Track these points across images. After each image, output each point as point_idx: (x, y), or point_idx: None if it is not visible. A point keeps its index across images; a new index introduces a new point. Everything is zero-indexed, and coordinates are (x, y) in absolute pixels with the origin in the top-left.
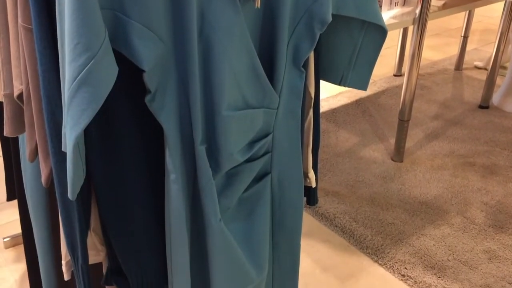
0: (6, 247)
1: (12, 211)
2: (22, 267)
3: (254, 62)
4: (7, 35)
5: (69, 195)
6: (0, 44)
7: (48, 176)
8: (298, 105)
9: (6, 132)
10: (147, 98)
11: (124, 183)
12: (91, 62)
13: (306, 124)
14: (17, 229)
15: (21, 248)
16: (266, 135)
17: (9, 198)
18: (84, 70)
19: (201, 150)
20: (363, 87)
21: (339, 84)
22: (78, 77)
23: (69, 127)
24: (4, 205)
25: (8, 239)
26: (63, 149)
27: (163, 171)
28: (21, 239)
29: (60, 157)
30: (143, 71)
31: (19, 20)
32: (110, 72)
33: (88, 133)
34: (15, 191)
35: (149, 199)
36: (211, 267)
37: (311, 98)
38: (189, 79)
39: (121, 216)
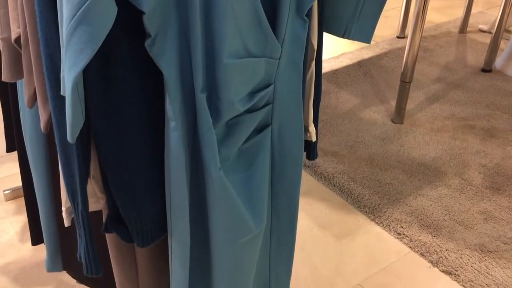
0: (7, 200)
1: (12, 165)
2: (22, 219)
3: (256, 9)
4: None
5: (68, 138)
6: None
7: (47, 121)
8: (300, 56)
9: (4, 78)
10: (147, 43)
11: (124, 129)
12: (89, 0)
13: (308, 77)
14: (17, 182)
15: (21, 201)
16: (267, 86)
17: (9, 150)
18: (82, 8)
19: (201, 98)
20: (367, 39)
21: (343, 36)
22: (76, 16)
23: (67, 68)
24: (4, 158)
25: (8, 191)
26: (62, 93)
27: (163, 119)
28: (21, 192)
29: (59, 101)
30: (143, 13)
31: None
32: (108, 11)
33: (87, 77)
34: (14, 142)
35: (148, 147)
36: (210, 217)
37: (314, 50)
38: (189, 24)
39: (120, 163)
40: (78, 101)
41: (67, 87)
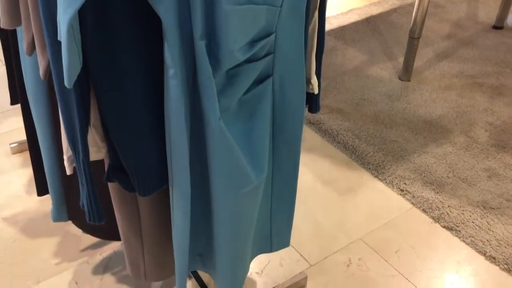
0: (13, 153)
1: (18, 119)
2: (29, 172)
3: None
4: None
5: (66, 83)
6: None
7: (46, 68)
8: (302, 4)
9: (3, 24)
10: None
11: (122, 76)
12: None
13: (310, 27)
14: (23, 135)
15: (28, 154)
16: (268, 35)
17: (13, 102)
18: None
19: (200, 45)
20: None
21: None
22: None
23: (62, 10)
24: (10, 112)
25: (15, 144)
26: (58, 39)
27: (162, 66)
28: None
29: (56, 47)
30: None
31: None
32: None
33: (83, 22)
34: (17, 94)
35: (148, 94)
36: (210, 166)
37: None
38: None
39: (119, 111)
40: (74, 45)
41: (62, 30)
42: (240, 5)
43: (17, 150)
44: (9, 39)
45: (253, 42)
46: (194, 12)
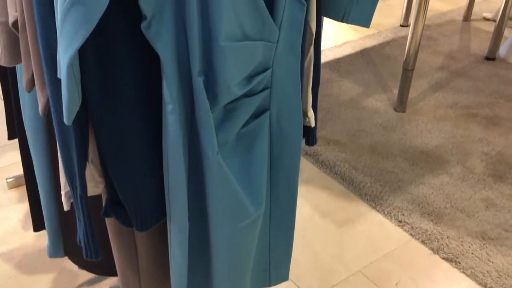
0: (10, 188)
1: (15, 153)
2: (25, 206)
3: None
4: None
5: (65, 120)
6: None
7: (45, 105)
8: (298, 40)
9: (3, 62)
10: (143, 25)
11: (121, 112)
12: None
13: (306, 62)
14: (20, 170)
15: (24, 189)
16: (265, 70)
17: (10, 137)
18: None
19: (198, 81)
20: (366, 24)
21: (341, 20)
22: None
23: (62, 49)
24: (7, 147)
25: (11, 179)
26: (58, 76)
27: (161, 102)
28: (24, 180)
29: (56, 85)
30: None
31: None
32: None
33: (83, 60)
34: (15, 129)
35: (146, 130)
36: (208, 200)
37: (312, 35)
38: (186, 6)
39: (118, 147)
40: (74, 83)
41: (62, 68)
42: (237, 41)
43: (14, 185)
44: (8, 74)
45: (250, 77)
46: (192, 49)
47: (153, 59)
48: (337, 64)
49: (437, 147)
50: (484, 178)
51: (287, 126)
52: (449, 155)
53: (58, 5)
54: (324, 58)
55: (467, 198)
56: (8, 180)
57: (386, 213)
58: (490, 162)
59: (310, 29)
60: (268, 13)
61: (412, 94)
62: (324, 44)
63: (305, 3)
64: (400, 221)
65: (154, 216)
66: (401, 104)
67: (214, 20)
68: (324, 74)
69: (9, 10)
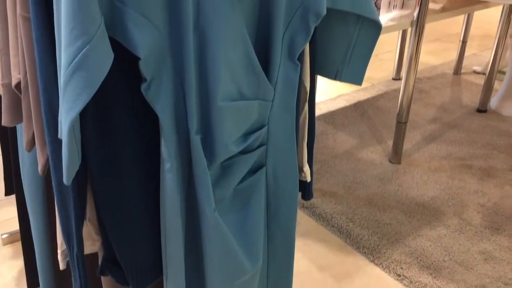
0: (4, 244)
1: (10, 209)
2: (20, 263)
3: (249, 53)
4: (5, 25)
5: (64, 180)
6: None
7: (44, 164)
8: (293, 98)
9: (4, 122)
10: (143, 87)
11: (120, 171)
12: (86, 47)
13: (301, 118)
14: (15, 226)
15: (19, 245)
16: (261, 127)
17: (7, 193)
18: (80, 55)
19: (196, 140)
20: (358, 81)
21: (334, 78)
22: (74, 61)
23: (64, 112)
24: (3, 202)
25: (6, 235)
26: (59, 137)
27: (158, 160)
28: (19, 236)
29: (56, 145)
30: (138, 58)
31: (18, 10)
32: (105, 58)
33: (83, 119)
34: (13, 185)
35: (144, 188)
36: (205, 258)
37: (307, 93)
38: (184, 68)
39: (116, 205)
40: (74, 144)
41: (63, 130)
42: (234, 101)
43: (8, 241)
44: (8, 131)
45: (246, 135)
46: (190, 109)
47: (151, 117)
48: (332, 117)
49: (433, 198)
50: (481, 230)
51: (283, 182)
52: (446, 207)
53: (61, 70)
54: (318, 111)
55: (465, 250)
56: (3, 236)
57: (384, 266)
58: (487, 214)
59: (305, 87)
60: (264, 73)
61: (407, 145)
62: (319, 97)
63: (299, 64)
64: (399, 275)
65: (151, 275)
66: (396, 155)
67: (211, 81)
68: (319, 126)
69: (12, 72)
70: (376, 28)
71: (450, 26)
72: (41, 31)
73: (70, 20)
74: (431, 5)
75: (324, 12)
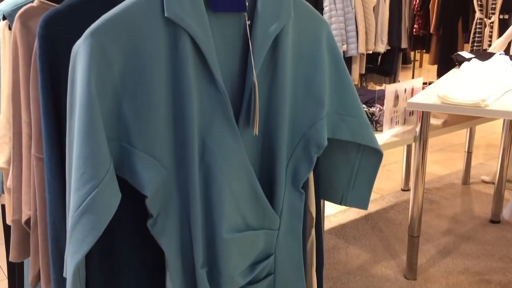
0: None
1: None
2: None
3: (254, 185)
4: (20, 164)
5: None
6: (13, 172)
7: None
8: (299, 226)
9: (12, 257)
10: (149, 222)
11: None
12: (95, 191)
13: (308, 244)
14: None
15: None
16: (267, 257)
17: None
18: (88, 198)
19: (201, 274)
20: (363, 206)
21: (340, 203)
22: (82, 205)
23: (70, 254)
24: None
25: None
26: (64, 275)
27: None
28: None
29: (62, 285)
30: (145, 196)
31: (32, 150)
32: (113, 199)
33: (89, 256)
34: None
35: None
36: None
37: (313, 218)
38: (190, 203)
39: None
40: (78, 283)
41: (68, 270)
42: (240, 231)
43: None
44: (15, 268)
45: (253, 265)
46: (196, 242)
47: (157, 251)
48: (343, 229)
49: None
50: None
51: None
52: None
53: (70, 211)
54: (329, 223)
55: None
56: None
57: None
58: None
59: (310, 212)
60: (269, 203)
61: (421, 260)
62: (328, 210)
63: (303, 192)
64: None
65: None
66: (411, 271)
67: (217, 215)
68: (330, 240)
69: (23, 209)
70: (377, 155)
71: (454, 136)
72: (53, 172)
73: (81, 165)
74: (433, 120)
75: (325, 143)
